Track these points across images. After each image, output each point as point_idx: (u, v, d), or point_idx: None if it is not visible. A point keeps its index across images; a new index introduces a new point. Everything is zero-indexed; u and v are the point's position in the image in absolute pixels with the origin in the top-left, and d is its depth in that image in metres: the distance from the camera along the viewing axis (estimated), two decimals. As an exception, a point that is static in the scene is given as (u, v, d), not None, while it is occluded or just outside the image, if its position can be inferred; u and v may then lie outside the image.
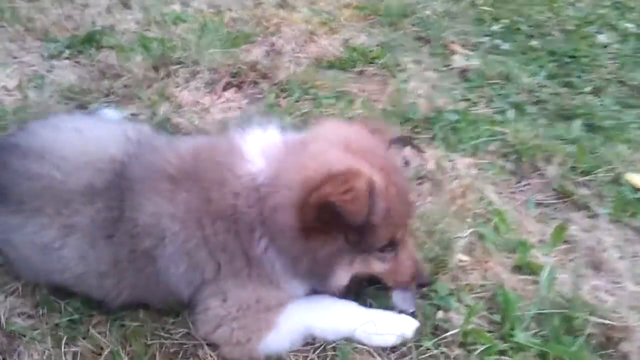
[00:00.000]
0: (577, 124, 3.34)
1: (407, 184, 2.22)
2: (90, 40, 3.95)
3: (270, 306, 2.04)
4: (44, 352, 2.07)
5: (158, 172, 2.04)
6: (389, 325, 2.10)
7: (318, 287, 2.08)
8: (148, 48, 3.74)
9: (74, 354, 2.07)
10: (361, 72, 3.74)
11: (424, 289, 2.24)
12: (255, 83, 3.56)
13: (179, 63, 3.71)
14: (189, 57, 3.72)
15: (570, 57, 4.11)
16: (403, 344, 2.10)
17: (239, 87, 3.55)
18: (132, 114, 3.26)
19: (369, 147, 2.00)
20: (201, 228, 1.96)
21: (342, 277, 2.00)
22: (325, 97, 3.37)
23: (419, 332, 2.13)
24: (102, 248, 2.04)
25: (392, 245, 2.01)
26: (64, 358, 2.06)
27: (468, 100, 3.50)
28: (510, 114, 3.36)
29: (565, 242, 2.60)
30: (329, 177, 1.78)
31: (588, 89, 3.76)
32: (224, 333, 2.03)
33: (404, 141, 2.27)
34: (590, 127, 3.38)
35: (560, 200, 2.87)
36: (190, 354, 2.08)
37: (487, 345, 2.08)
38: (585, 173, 2.98)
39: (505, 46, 4.17)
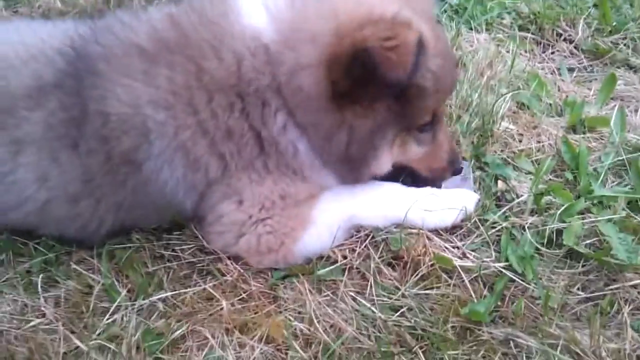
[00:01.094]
0: (592, -11, 2.97)
1: (446, 38, 1.78)
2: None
3: (300, 200, 1.62)
4: (18, 302, 1.59)
5: (126, 48, 1.55)
6: (445, 201, 1.69)
7: (350, 179, 1.66)
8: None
9: (57, 299, 1.61)
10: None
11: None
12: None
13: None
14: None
15: None
16: (465, 221, 1.70)
17: None
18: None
19: None
20: (194, 112, 1.50)
21: (385, 161, 1.62)
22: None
23: (479, 207, 1.74)
24: (67, 162, 1.56)
25: (433, 122, 1.63)
26: (44, 305, 1.58)
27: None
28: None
29: (612, 99, 2.24)
30: (369, 20, 1.37)
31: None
32: (249, 242, 1.60)
33: None
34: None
35: (595, 61, 2.51)
36: (206, 273, 1.64)
37: (567, 204, 1.68)
38: (614, 31, 2.62)
39: None
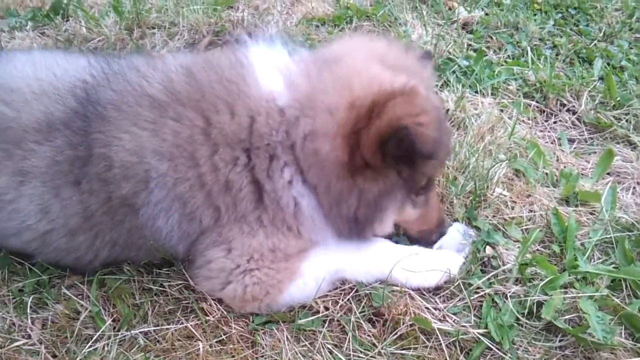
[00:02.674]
0: (599, 63, 3.06)
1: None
2: (56, 11, 3.55)
3: (289, 254, 1.66)
4: (6, 320, 1.64)
5: (138, 96, 1.61)
6: (429, 262, 1.73)
7: (352, 237, 1.68)
8: (120, 11, 3.36)
9: (44, 321, 1.65)
10: (357, 28, 3.41)
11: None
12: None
13: (155, 26, 3.34)
14: (166, 19, 3.35)
15: (575, 8, 3.84)
16: (449, 283, 1.73)
17: (223, 46, 3.17)
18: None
19: (406, 63, 1.67)
20: (195, 165, 1.55)
21: (389, 223, 1.71)
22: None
23: (464, 270, 1.77)
24: (69, 197, 1.61)
25: (427, 186, 1.72)
26: (31, 326, 1.63)
27: (476, 50, 3.18)
28: (529, 55, 3.03)
29: (609, 174, 2.28)
30: (386, 98, 1.45)
31: (600, 36, 3.47)
32: (234, 290, 1.63)
33: (429, 56, 1.93)
34: (612, 68, 3.09)
35: (596, 135, 2.56)
36: (190, 311, 1.67)
37: (551, 277, 1.71)
38: (617, 106, 2.68)
39: (507, 1, 3.88)
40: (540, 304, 1.68)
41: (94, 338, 1.58)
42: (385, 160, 1.49)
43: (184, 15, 3.34)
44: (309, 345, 1.57)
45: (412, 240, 1.85)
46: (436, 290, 1.74)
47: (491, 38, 3.38)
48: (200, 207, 1.58)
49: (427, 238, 1.83)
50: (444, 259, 1.76)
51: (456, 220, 1.94)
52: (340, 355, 1.54)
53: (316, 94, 1.53)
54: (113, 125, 1.58)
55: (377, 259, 1.73)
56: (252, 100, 1.56)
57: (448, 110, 2.51)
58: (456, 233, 1.86)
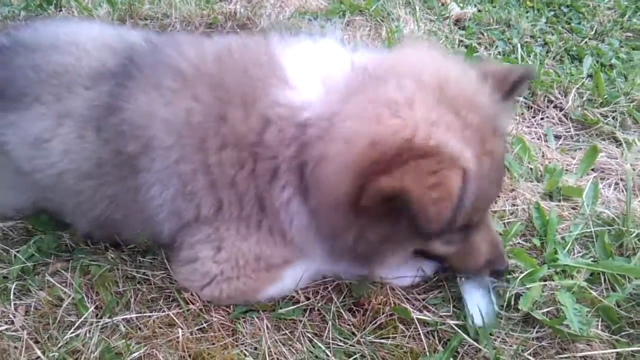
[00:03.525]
0: (588, 61, 3.09)
1: (504, 148, 1.57)
2: (49, 1, 3.55)
3: (272, 264, 1.64)
4: (-11, 307, 1.65)
5: (167, 65, 1.60)
6: (402, 265, 1.72)
7: (353, 268, 1.67)
8: (113, 2, 3.37)
9: (27, 308, 1.67)
10: (350, 22, 3.42)
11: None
12: (235, 34, 3.20)
13: (148, 17, 3.34)
14: (159, 10, 3.36)
15: (568, 6, 3.86)
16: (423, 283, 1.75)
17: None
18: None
19: (469, 96, 1.40)
20: (203, 152, 1.51)
21: (391, 262, 1.60)
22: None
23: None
24: (89, 142, 1.64)
25: (466, 228, 1.54)
26: (14, 312, 1.64)
27: (467, 46, 3.20)
28: (518, 52, 3.06)
29: (593, 170, 2.30)
30: (410, 153, 1.26)
31: (591, 34, 3.49)
32: (212, 292, 1.64)
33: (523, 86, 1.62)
34: (601, 66, 3.11)
35: (582, 131, 2.58)
36: (172, 300, 1.69)
37: (530, 270, 1.73)
38: (605, 104, 2.70)
39: (499, -2, 3.90)
40: (519, 296, 1.70)
41: (76, 325, 1.59)
42: (390, 212, 1.33)
43: (177, 7, 3.35)
44: (289, 334, 1.59)
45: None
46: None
47: (483, 34, 3.40)
48: (201, 192, 1.55)
49: (475, 273, 1.70)
50: (419, 260, 1.74)
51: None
52: (320, 344, 1.56)
53: (341, 117, 1.38)
54: (136, 84, 1.60)
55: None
56: (271, 105, 1.46)
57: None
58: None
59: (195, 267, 1.64)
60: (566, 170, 2.30)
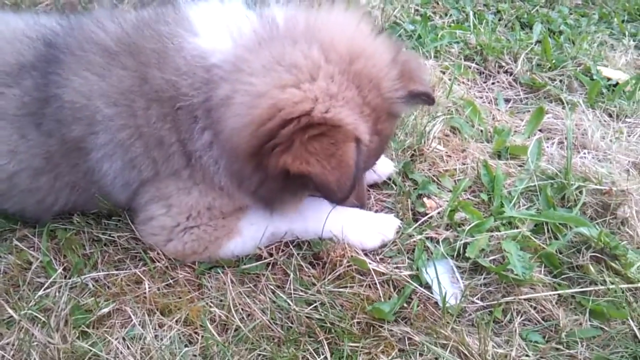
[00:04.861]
0: (538, 28, 3.22)
1: (392, 130, 1.74)
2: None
3: (226, 212, 1.73)
4: (-42, 273, 1.69)
5: (92, 42, 1.65)
6: (366, 226, 1.83)
7: (263, 206, 1.73)
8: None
9: (-4, 272, 1.71)
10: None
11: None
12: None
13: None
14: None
15: (521, -24, 3.97)
16: (384, 246, 1.85)
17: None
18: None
19: (375, 76, 1.50)
20: (134, 114, 1.60)
21: (291, 205, 1.72)
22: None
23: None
24: (33, 138, 1.66)
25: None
26: (-17, 277, 1.68)
27: (422, 15, 3.28)
28: (471, 20, 3.16)
29: (540, 130, 2.43)
30: (310, 127, 1.38)
31: (542, 1, 3.62)
32: (175, 247, 1.71)
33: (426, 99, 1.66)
34: (550, 32, 3.25)
35: (531, 95, 2.71)
36: (138, 259, 1.75)
37: (477, 222, 1.85)
38: (552, 68, 2.83)
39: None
40: (467, 246, 1.81)
41: (45, 285, 1.64)
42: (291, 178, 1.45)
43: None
44: (252, 287, 1.68)
45: None
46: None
47: (437, 3, 3.49)
48: (139, 156, 1.63)
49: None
50: (380, 223, 1.85)
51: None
52: (282, 295, 1.65)
53: (248, 64, 1.47)
54: (67, 68, 1.63)
55: (314, 220, 1.79)
56: (181, 58, 1.56)
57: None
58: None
59: (153, 225, 1.72)
60: (515, 131, 2.42)
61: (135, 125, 1.59)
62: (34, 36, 1.72)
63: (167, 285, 1.66)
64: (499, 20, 3.34)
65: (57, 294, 1.63)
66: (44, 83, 1.64)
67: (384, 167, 2.05)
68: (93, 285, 1.65)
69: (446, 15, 3.36)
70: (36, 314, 1.55)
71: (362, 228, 1.82)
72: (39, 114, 1.65)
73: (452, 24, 3.20)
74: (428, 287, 1.71)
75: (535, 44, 3.02)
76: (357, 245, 1.80)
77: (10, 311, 1.56)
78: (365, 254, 1.79)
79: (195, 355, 1.48)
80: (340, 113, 1.40)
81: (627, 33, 3.34)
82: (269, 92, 1.41)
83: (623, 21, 3.51)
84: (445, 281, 1.72)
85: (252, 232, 1.75)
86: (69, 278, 1.67)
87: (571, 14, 3.59)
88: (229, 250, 1.74)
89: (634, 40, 3.28)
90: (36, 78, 1.65)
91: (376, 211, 1.96)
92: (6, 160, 1.68)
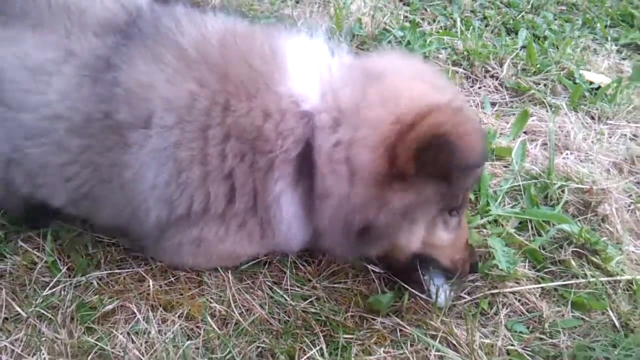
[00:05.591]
0: (523, 33, 3.32)
1: None
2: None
3: (238, 258, 1.78)
4: (-34, 272, 1.75)
5: (168, 39, 1.56)
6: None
7: (352, 247, 1.63)
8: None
9: (2, 272, 1.77)
10: (299, 0, 3.55)
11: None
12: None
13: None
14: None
15: (506, -18, 4.09)
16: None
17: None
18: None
19: (444, 83, 1.66)
20: (204, 139, 1.49)
21: (416, 237, 1.59)
22: (265, 18, 3.15)
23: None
24: (85, 92, 1.54)
25: (462, 205, 1.64)
26: (-11, 276, 1.75)
27: (411, 21, 3.38)
28: (458, 26, 3.26)
29: (525, 133, 2.53)
30: (435, 107, 1.40)
31: (528, 7, 3.73)
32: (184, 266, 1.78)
33: None
34: (535, 38, 3.36)
35: (516, 98, 2.81)
36: (140, 259, 1.82)
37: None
38: (537, 72, 2.93)
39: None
40: (456, 243, 1.89)
41: (50, 284, 1.71)
42: (420, 171, 1.40)
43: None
44: (251, 283, 1.75)
45: (443, 269, 1.72)
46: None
47: (426, 10, 3.59)
48: (195, 183, 1.53)
49: (459, 269, 1.70)
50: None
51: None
52: (279, 291, 1.73)
53: (360, 108, 1.47)
54: (136, 48, 1.55)
55: None
56: (272, 98, 1.50)
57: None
58: None
59: (175, 255, 1.72)
60: (501, 133, 2.52)
61: (200, 149, 1.49)
62: (128, 6, 1.68)
63: (168, 282, 1.73)
64: (486, 26, 3.45)
65: (62, 292, 1.69)
66: (118, 49, 1.56)
67: None
68: (97, 284, 1.71)
69: (434, 21, 3.46)
70: (43, 311, 1.61)
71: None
72: (99, 72, 1.54)
73: (440, 30, 3.30)
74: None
75: (520, 49, 3.12)
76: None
77: (18, 309, 1.62)
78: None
79: (197, 348, 1.55)
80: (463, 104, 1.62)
81: (609, 38, 3.46)
82: (392, 106, 1.46)
83: (606, 26, 3.63)
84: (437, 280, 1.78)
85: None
86: (74, 277, 1.73)
87: (556, 19, 3.70)
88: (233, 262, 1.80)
89: (616, 45, 3.39)
90: (116, 41, 1.58)
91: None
92: (57, 97, 1.54)
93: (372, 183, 1.44)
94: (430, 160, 1.37)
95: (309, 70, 1.56)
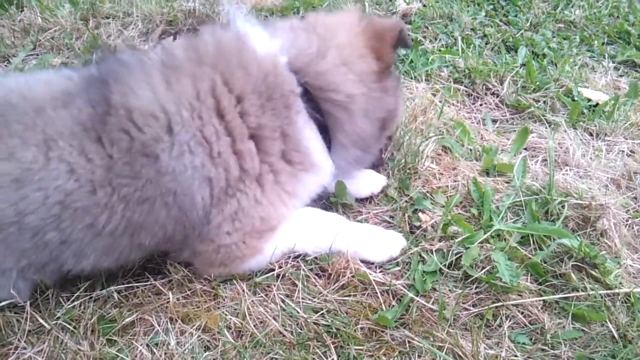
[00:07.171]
0: (523, 51, 3.40)
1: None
2: (10, 1, 3.64)
3: (268, 227, 1.86)
4: None
5: (146, 63, 1.77)
6: (376, 242, 2.00)
7: (359, 158, 2.08)
8: (74, 2, 3.49)
9: (24, 286, 1.83)
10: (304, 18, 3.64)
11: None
12: (194, 30, 3.38)
13: (110, 16, 3.49)
14: (120, 9, 3.50)
15: (505, 0, 4.19)
16: (390, 262, 2.01)
17: (176, 35, 3.36)
18: (62, 63, 3.01)
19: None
20: (220, 111, 1.73)
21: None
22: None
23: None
24: (93, 151, 1.62)
25: None
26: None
27: (414, 40, 3.47)
28: (459, 44, 3.35)
29: (526, 149, 2.61)
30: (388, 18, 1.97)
31: (526, 25, 3.82)
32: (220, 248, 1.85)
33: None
34: (534, 55, 3.44)
35: (516, 115, 2.88)
36: (157, 272, 1.90)
37: (468, 235, 2.01)
38: (536, 90, 3.01)
39: (442, -7, 4.20)
40: (460, 258, 1.96)
41: (72, 298, 1.78)
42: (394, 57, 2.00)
43: (138, 6, 3.51)
44: (264, 296, 1.82)
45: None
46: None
47: (427, 28, 3.68)
48: (226, 152, 1.73)
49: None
50: (389, 240, 2.01)
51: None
52: (291, 303, 1.80)
53: (326, 38, 1.90)
54: (129, 80, 1.70)
55: (326, 240, 1.94)
56: (260, 60, 1.80)
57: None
58: None
59: (214, 241, 1.81)
60: (502, 150, 2.60)
61: (222, 122, 1.73)
62: (77, 79, 1.76)
63: (185, 296, 1.80)
64: (486, 44, 3.54)
65: (82, 306, 1.76)
66: (102, 98, 1.66)
67: (378, 180, 2.26)
68: (117, 297, 1.78)
69: (435, 39, 3.55)
70: (65, 324, 1.68)
71: (373, 243, 1.98)
72: (97, 128, 1.63)
73: (442, 49, 3.39)
74: (423, 295, 1.86)
75: (520, 67, 3.21)
76: (367, 258, 1.97)
77: (42, 321, 1.69)
78: (367, 266, 1.94)
79: (215, 359, 1.62)
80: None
81: (606, 55, 3.55)
82: (353, 27, 1.99)
83: (603, 43, 3.71)
84: None
85: (271, 251, 1.89)
86: (93, 291, 1.80)
87: (554, 37, 3.78)
88: (249, 267, 1.88)
89: (613, 62, 3.48)
90: (87, 96, 1.67)
91: (375, 224, 2.12)
92: (66, 179, 1.60)
93: (374, 79, 1.93)
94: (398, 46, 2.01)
95: (266, 38, 1.89)
